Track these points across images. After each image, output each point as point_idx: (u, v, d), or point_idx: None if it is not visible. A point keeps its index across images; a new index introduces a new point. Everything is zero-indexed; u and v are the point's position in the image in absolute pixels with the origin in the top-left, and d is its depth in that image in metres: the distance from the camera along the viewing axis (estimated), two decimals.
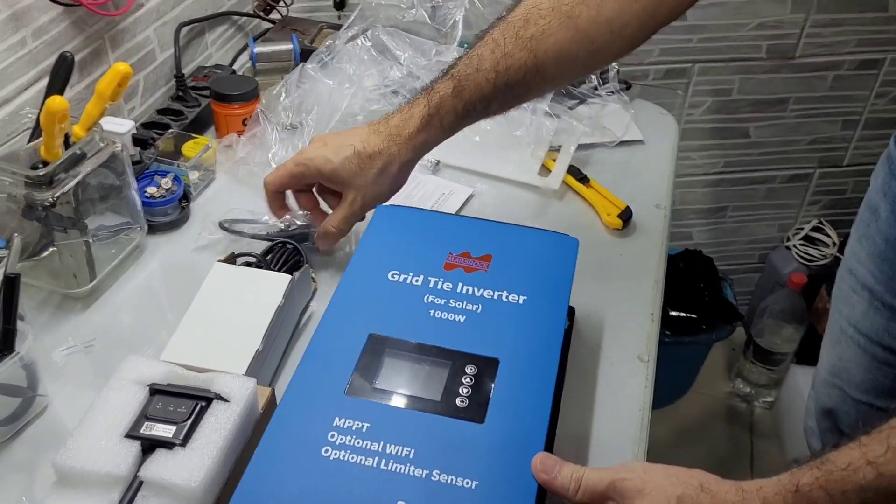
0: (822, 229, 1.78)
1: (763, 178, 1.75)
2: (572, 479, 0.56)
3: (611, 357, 0.78)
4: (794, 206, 1.81)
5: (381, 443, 0.58)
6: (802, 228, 1.78)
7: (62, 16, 0.88)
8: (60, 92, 0.79)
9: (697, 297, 1.60)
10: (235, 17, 1.22)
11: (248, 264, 0.82)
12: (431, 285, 0.70)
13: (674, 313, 1.56)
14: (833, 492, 0.50)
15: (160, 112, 1.03)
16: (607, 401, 0.74)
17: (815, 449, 1.08)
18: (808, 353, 1.69)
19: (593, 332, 0.81)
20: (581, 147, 1.03)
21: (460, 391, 0.62)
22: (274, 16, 1.22)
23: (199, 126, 1.04)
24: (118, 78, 0.77)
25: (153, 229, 0.91)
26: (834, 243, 1.74)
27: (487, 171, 1.01)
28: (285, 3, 1.21)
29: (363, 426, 0.59)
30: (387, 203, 0.82)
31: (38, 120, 0.80)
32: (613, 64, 1.08)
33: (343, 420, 0.60)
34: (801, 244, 1.76)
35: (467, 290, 0.70)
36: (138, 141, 0.95)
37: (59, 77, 0.79)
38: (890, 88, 1.63)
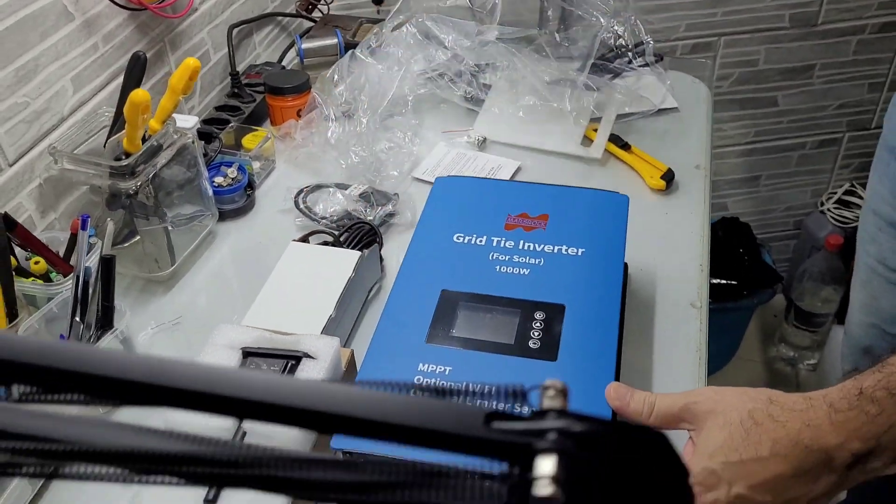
0: (855, 192, 1.80)
1: (794, 145, 1.77)
2: (645, 403, 0.60)
3: (665, 306, 0.83)
4: (826, 171, 1.84)
5: (465, 382, 0.63)
6: (836, 192, 1.81)
7: (128, 21, 0.95)
8: (136, 88, 0.84)
9: (738, 264, 1.63)
10: (280, 18, 1.28)
11: (325, 243, 0.87)
12: (495, 244, 0.75)
13: (715, 281, 1.59)
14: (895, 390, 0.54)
15: (218, 109, 1.09)
16: (666, 345, 0.78)
17: None
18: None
19: (647, 284, 0.85)
20: (620, 117, 1.08)
21: (532, 335, 0.67)
22: (315, 14, 1.28)
23: (255, 120, 1.10)
24: (189, 72, 0.82)
25: (223, 216, 0.97)
26: None
27: (532, 144, 1.06)
28: (326, 1, 1.26)
29: (446, 370, 0.64)
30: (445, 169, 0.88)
31: (115, 116, 0.86)
32: (649, 38, 1.12)
33: (427, 365, 0.65)
34: (835, 207, 1.78)
35: (528, 246, 0.75)
36: (202, 135, 1.01)
37: (134, 75, 0.85)
38: None
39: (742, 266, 1.64)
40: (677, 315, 0.82)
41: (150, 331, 0.84)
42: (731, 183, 1.80)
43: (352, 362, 0.74)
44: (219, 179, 0.97)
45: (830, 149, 1.79)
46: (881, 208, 0.94)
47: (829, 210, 1.78)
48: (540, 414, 0.21)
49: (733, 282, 1.61)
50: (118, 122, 0.83)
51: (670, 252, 0.89)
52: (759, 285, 1.64)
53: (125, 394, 0.24)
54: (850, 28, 1.61)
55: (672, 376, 0.75)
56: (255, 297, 0.80)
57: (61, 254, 0.80)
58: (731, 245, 1.66)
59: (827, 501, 0.56)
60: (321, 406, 0.23)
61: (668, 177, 0.98)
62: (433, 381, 0.63)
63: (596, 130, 1.05)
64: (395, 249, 0.92)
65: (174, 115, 0.92)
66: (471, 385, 0.22)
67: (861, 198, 1.79)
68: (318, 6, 1.27)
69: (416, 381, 0.63)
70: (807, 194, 1.86)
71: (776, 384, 1.81)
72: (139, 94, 0.75)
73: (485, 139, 1.07)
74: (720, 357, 1.75)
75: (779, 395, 0.59)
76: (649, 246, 0.88)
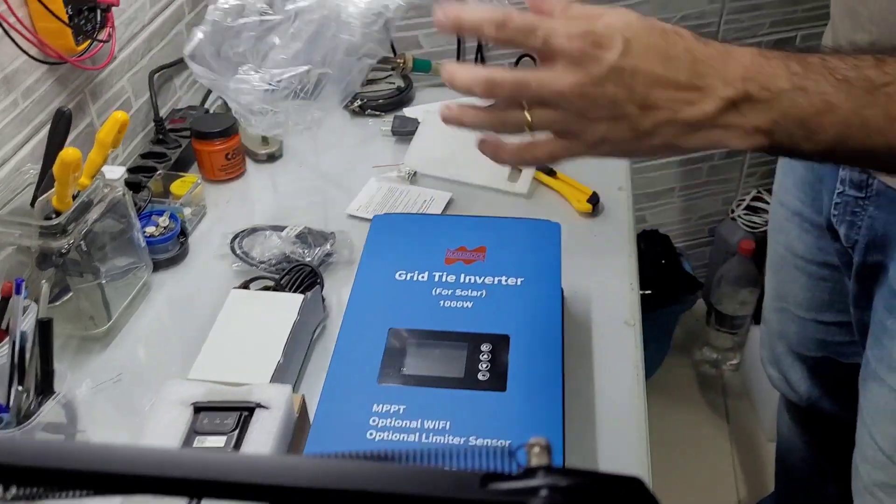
0: (761, 198, 1.90)
1: (703, 157, 1.86)
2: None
3: (601, 326, 0.86)
4: (734, 180, 1.93)
5: (420, 420, 0.65)
6: (744, 199, 1.90)
7: (46, 74, 0.93)
8: (61, 145, 0.83)
9: (661, 274, 1.70)
10: None
11: (266, 288, 0.88)
12: (437, 279, 0.77)
13: (640, 292, 1.65)
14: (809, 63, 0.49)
15: (143, 156, 1.08)
16: (605, 363, 0.82)
17: (776, 379, 1.18)
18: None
19: (582, 305, 0.89)
20: None
21: (480, 367, 0.69)
22: None
23: (182, 165, 1.09)
24: (118, 126, 0.82)
25: (157, 266, 0.96)
26: None
27: (461, 178, 1.08)
28: None
29: (400, 408, 0.66)
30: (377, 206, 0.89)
31: (41, 174, 0.85)
32: None
33: (380, 405, 0.66)
34: (744, 213, 1.88)
35: (469, 279, 0.77)
36: (130, 185, 0.99)
37: (59, 131, 0.83)
38: None
39: (665, 275, 1.71)
40: (613, 333, 0.85)
41: (89, 390, 0.83)
42: (648, 196, 1.87)
43: (303, 408, 0.75)
44: (150, 229, 0.96)
45: (736, 159, 1.89)
46: (787, 199, 1.01)
47: (739, 216, 1.88)
48: (530, 472, 0.23)
49: (658, 291, 1.67)
50: (45, 180, 0.82)
51: (601, 273, 0.93)
52: (682, 293, 1.71)
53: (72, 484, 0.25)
54: (748, 45, 1.70)
55: (613, 395, 0.79)
56: (198, 348, 0.80)
57: None
58: (653, 256, 1.73)
59: (671, 140, 0.51)
60: (320, 483, 0.25)
61: (594, 200, 1.02)
62: (388, 421, 0.65)
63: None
64: (335, 288, 0.93)
65: None
66: (465, 447, 0.23)
67: (767, 203, 1.89)
68: None
69: (370, 422, 0.65)
70: (718, 202, 1.96)
71: (703, 387, 1.89)
72: (70, 153, 0.74)
73: (415, 173, 1.09)
74: (650, 365, 1.81)
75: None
76: (582, 268, 0.92)
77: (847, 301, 0.98)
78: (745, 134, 0.51)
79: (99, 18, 0.94)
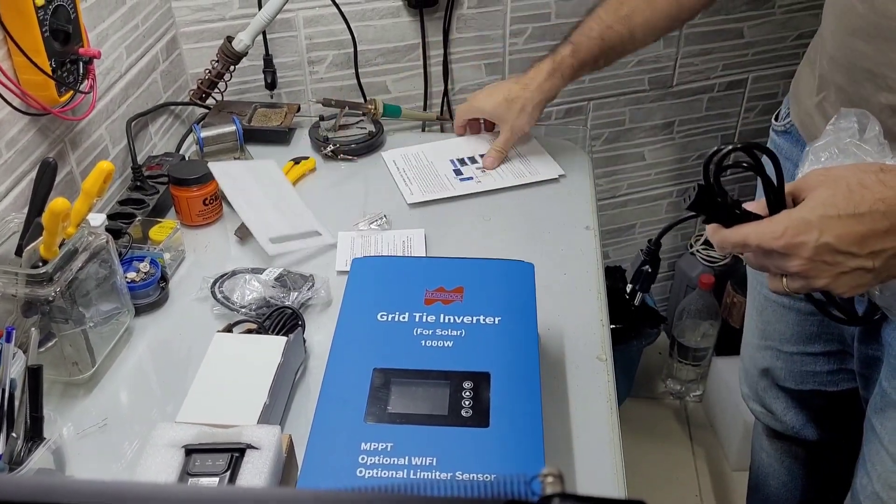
0: None
1: (662, 194, 1.93)
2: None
3: (574, 361, 0.90)
4: (691, 215, 2.00)
5: (407, 457, 0.67)
6: (702, 235, 1.97)
7: (29, 125, 0.95)
8: (47, 194, 0.85)
9: (624, 308, 1.75)
10: (173, 108, 1.30)
11: (249, 331, 0.90)
12: (417, 319, 0.80)
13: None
14: None
15: (121, 203, 1.10)
16: (579, 396, 0.85)
17: (759, 413, 1.22)
18: (725, 346, 1.87)
19: (556, 342, 0.92)
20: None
21: (463, 403, 0.72)
22: (209, 102, 1.31)
23: (160, 211, 1.11)
24: (103, 175, 0.84)
25: (138, 311, 0.97)
26: None
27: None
28: (219, 89, 1.29)
29: (387, 446, 0.68)
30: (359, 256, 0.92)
31: (26, 223, 0.86)
32: None
33: (368, 444, 0.68)
34: (703, 248, 1.95)
35: (449, 318, 0.80)
36: (110, 231, 1.01)
37: (44, 182, 0.85)
38: (755, 103, 1.86)
39: (628, 310, 1.76)
40: (586, 368, 0.89)
41: (77, 435, 0.84)
42: (610, 233, 1.93)
43: (291, 447, 0.77)
44: (131, 275, 0.98)
45: None
46: None
47: (698, 251, 1.94)
48: (547, 499, 0.26)
49: (622, 325, 1.72)
50: (32, 229, 0.83)
51: (572, 310, 0.97)
52: (646, 327, 1.76)
53: None
54: (701, 87, 1.79)
55: (589, 427, 0.82)
56: (181, 391, 0.81)
57: None
58: (616, 291, 1.78)
59: None
60: None
61: None
62: (377, 458, 0.67)
63: None
64: (315, 330, 0.95)
65: None
66: (490, 477, 0.26)
67: None
68: (212, 94, 1.30)
69: (360, 460, 0.67)
70: (677, 238, 2.02)
71: (667, 418, 1.94)
72: (60, 203, 0.76)
73: (385, 216, 1.12)
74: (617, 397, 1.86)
75: (890, 165, 0.65)
76: (554, 306, 0.96)
77: (835, 332, 1.03)
78: None
79: (81, 70, 0.97)
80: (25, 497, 0.27)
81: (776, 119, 1.01)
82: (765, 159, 0.68)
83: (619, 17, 1.06)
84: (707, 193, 0.67)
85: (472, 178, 1.20)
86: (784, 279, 0.69)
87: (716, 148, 0.66)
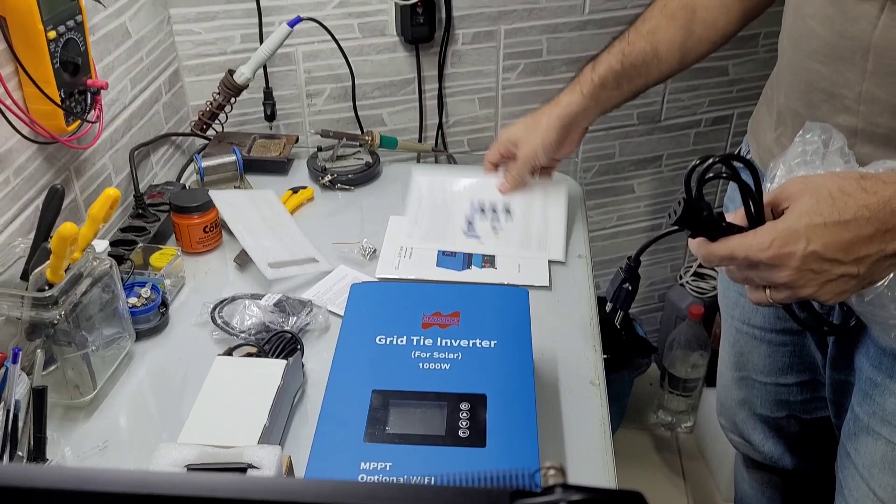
0: None
1: (652, 226, 1.97)
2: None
3: (568, 385, 0.92)
4: (681, 248, 2.04)
5: (405, 476, 0.69)
6: (691, 266, 2.01)
7: (36, 153, 0.97)
8: (54, 220, 0.87)
9: (615, 339, 1.77)
10: (174, 138, 1.33)
11: (249, 354, 0.91)
12: (415, 343, 0.82)
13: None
14: None
15: (123, 230, 1.12)
16: (573, 421, 0.87)
17: (738, 443, 1.24)
18: (715, 376, 1.88)
19: (549, 366, 0.94)
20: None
21: (460, 424, 0.74)
22: (209, 132, 1.34)
23: (161, 238, 1.13)
24: (109, 202, 0.86)
25: (138, 336, 0.99)
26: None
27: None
28: (220, 120, 1.32)
29: (386, 465, 0.70)
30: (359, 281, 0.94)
31: (32, 248, 0.88)
32: None
33: (368, 463, 0.70)
34: (692, 280, 1.98)
35: (446, 342, 0.82)
36: (112, 257, 1.03)
37: (52, 208, 0.87)
38: (740, 138, 1.89)
39: (619, 340, 1.78)
40: (580, 393, 0.91)
41: (78, 457, 0.85)
42: (601, 264, 1.96)
43: (290, 468, 0.78)
44: (133, 300, 0.99)
45: (682, 231, 2.00)
46: None
47: (687, 283, 1.97)
48: (549, 489, 0.28)
49: (613, 355, 1.74)
50: (38, 254, 0.85)
51: (566, 336, 0.99)
52: (637, 357, 1.78)
53: None
54: (688, 122, 1.83)
55: (582, 449, 0.84)
56: (180, 415, 0.83)
57: None
58: (607, 321, 1.80)
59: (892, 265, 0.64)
60: (360, 500, 0.29)
61: None
62: (376, 478, 0.69)
63: None
64: (313, 354, 0.97)
65: None
66: (495, 472, 0.29)
67: (714, 269, 1.99)
68: (213, 125, 1.32)
69: (359, 479, 0.68)
70: (667, 269, 2.06)
71: (658, 449, 1.95)
72: (69, 228, 0.78)
73: (374, 250, 1.14)
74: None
75: (870, 172, 0.66)
76: (548, 332, 0.98)
77: (807, 361, 1.04)
78: None
79: (89, 101, 0.99)
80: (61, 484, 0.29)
81: None
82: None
83: (640, 34, 1.05)
84: (692, 207, 0.68)
85: (478, 237, 1.14)
86: (768, 290, 0.69)
87: (696, 161, 0.67)
